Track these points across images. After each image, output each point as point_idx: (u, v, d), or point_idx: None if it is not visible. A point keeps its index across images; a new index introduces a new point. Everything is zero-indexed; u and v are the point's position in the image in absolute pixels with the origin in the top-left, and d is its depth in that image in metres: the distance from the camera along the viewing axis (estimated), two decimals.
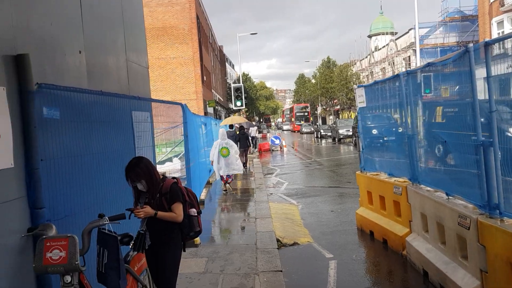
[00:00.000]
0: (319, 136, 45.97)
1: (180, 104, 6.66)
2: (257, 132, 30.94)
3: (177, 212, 3.87)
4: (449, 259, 5.07)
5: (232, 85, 24.95)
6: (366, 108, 7.72)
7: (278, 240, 7.43)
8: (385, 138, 7.48)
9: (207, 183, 14.30)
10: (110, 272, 3.33)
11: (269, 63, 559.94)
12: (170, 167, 10.61)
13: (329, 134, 43.00)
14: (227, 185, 12.74)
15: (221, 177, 12.62)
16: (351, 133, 33.25)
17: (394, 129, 7.29)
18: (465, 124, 4.50)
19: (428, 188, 5.90)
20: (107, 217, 3.37)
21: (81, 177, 4.06)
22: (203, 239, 7.58)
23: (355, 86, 7.78)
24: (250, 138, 27.35)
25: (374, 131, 8.00)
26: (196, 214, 4.12)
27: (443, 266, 5.06)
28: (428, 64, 5.24)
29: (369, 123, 8.14)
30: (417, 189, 6.09)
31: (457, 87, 4.64)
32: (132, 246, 3.92)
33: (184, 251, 4.09)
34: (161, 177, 4.00)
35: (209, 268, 6.11)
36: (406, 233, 6.43)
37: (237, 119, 22.62)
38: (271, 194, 13.00)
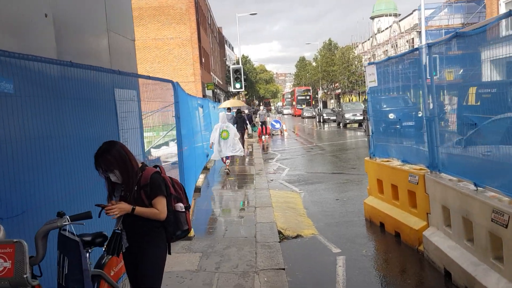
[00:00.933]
0: (321, 120, 44.27)
1: (171, 81, 5.91)
2: (267, 115, 29.06)
3: (159, 207, 3.16)
4: (478, 260, 4.40)
5: (231, 66, 24.12)
6: (378, 88, 6.98)
7: (279, 232, 6.77)
8: (399, 122, 6.76)
9: (204, 168, 13.62)
10: (72, 285, 2.65)
11: (269, 46, 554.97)
12: (167, 151, 9.92)
13: (333, 118, 41.42)
14: (227, 164, 13.16)
15: (227, 157, 13.01)
16: (359, 118, 31.57)
17: (409, 111, 6.58)
18: (505, 106, 3.79)
19: (451, 177, 5.20)
20: (67, 216, 2.68)
21: (44, 164, 3.36)
22: (198, 231, 6.92)
23: (365, 63, 7.02)
24: (256, 121, 26.90)
25: (391, 115, 7.23)
26: (183, 210, 3.40)
27: (471, 268, 4.40)
28: (457, 34, 4.48)
29: (381, 104, 7.40)
30: (438, 178, 5.39)
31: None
32: (105, 248, 3.24)
33: (169, 253, 3.38)
34: (140, 165, 3.28)
35: (203, 266, 5.45)
36: (423, 227, 5.76)
37: (236, 103, 21.92)
38: (272, 180, 12.34)
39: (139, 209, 3.09)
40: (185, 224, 3.39)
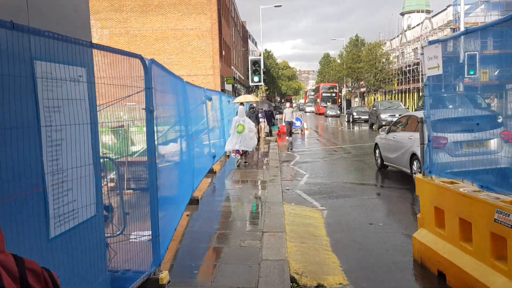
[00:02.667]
0: (350, 120, 39.95)
1: (139, 56, 3.93)
2: (293, 115, 24.44)
3: None
4: None
5: (250, 57, 22.05)
6: (445, 78, 4.83)
7: (293, 280, 4.73)
8: (477, 129, 4.62)
9: (210, 171, 11.65)
10: None
11: (293, 43, 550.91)
12: (174, 148, 8.04)
13: (364, 118, 37.16)
14: (241, 159, 13.37)
15: (237, 151, 13.17)
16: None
17: (494, 114, 4.44)
18: None
19: None
20: None
21: None
22: (178, 270, 4.94)
23: (424, 42, 4.91)
24: (266, 118, 24.68)
25: (467, 120, 4.99)
26: None
27: None
28: None
29: (448, 102, 5.23)
30: None
31: None
32: None
33: None
34: None
35: None
36: None
37: (248, 98, 19.95)
38: (288, 189, 10.29)
39: None
40: None
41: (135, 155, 9.22)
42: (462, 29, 28.56)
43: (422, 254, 5.23)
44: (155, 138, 4.55)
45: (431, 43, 4.92)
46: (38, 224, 3.22)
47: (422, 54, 5.11)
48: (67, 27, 3.73)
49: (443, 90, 5.07)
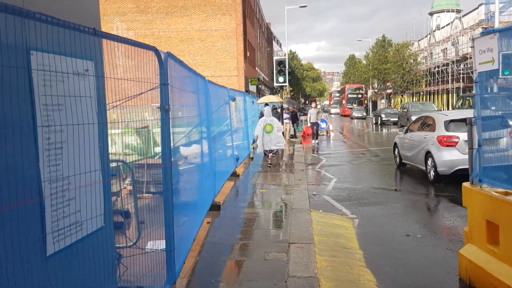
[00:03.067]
0: (378, 122, 38.60)
1: (153, 48, 3.49)
2: (318, 116, 22.83)
3: None
4: None
5: (274, 58, 21.56)
6: (497, 73, 4.21)
7: None
8: None
9: (232, 174, 11.17)
10: None
11: (318, 45, 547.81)
12: (195, 151, 7.62)
13: (394, 120, 36.06)
14: (269, 158, 13.53)
15: (265, 152, 13.66)
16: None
17: None
18: None
19: None
20: None
21: None
22: (194, 285, 4.46)
23: (477, 32, 4.29)
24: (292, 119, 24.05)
25: None
26: None
27: None
28: None
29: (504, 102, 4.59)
30: None
31: None
32: None
33: None
34: None
35: None
36: None
37: (273, 99, 19.46)
38: (314, 195, 9.73)
39: None
40: None
41: (156, 156, 8.85)
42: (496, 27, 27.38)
43: (471, 273, 4.60)
44: (171, 140, 4.08)
45: (484, 33, 4.31)
46: (32, 241, 2.78)
47: (472, 47, 4.50)
48: (69, 13, 3.30)
49: (496, 89, 4.43)
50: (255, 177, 11.43)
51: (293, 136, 24.13)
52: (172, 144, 4.17)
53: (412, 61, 51.82)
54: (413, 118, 26.65)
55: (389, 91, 64.03)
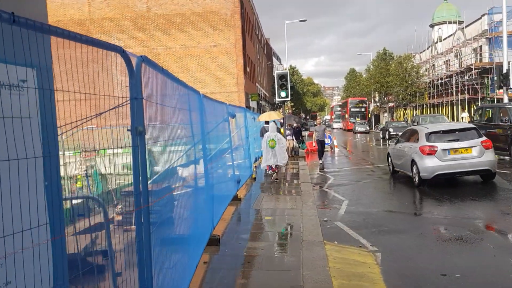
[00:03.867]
0: (386, 136, 36.36)
1: (119, 49, 2.52)
2: (325, 133, 20.00)
3: None
4: None
5: (276, 72, 20.65)
6: None
7: None
8: None
9: (234, 198, 10.13)
10: None
11: (317, 61, 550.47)
12: (187, 178, 6.62)
13: None
14: (274, 174, 13.51)
15: (269, 167, 13.48)
16: None
17: None
18: None
19: None
20: None
21: None
22: None
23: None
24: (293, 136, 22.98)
25: None
26: None
27: None
28: None
29: None
30: None
31: None
32: None
33: None
34: None
35: None
36: None
37: (274, 116, 18.44)
38: (326, 221, 8.67)
39: None
40: None
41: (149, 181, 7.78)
42: (504, 36, 26.43)
43: None
44: (147, 171, 3.07)
45: None
46: None
47: None
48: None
49: None
50: (259, 200, 10.38)
51: (296, 153, 23.09)
52: (149, 176, 3.16)
53: (414, 73, 51.05)
54: None
55: (391, 104, 63.17)
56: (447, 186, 11.88)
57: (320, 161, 18.44)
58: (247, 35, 43.07)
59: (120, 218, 7.01)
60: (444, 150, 11.33)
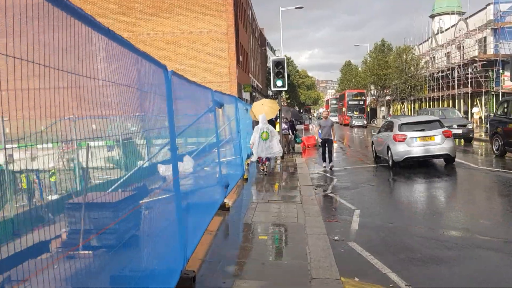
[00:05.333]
0: None
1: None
2: (333, 129, 15.28)
3: None
4: None
5: (272, 58, 18.55)
6: None
7: None
8: None
9: (220, 207, 8.13)
10: None
11: (311, 53, 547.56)
12: (179, 168, 4.72)
13: None
14: (265, 166, 13.21)
15: (260, 159, 13.11)
16: (457, 131, 21.23)
17: None
18: None
19: None
20: None
21: None
22: None
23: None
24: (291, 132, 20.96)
25: None
26: None
27: None
28: None
29: None
30: None
31: None
32: None
33: None
34: None
35: None
36: None
37: (268, 106, 16.18)
38: (336, 241, 6.72)
39: None
40: None
41: (108, 189, 5.84)
42: None
43: None
44: None
45: None
46: None
47: None
48: None
49: None
50: (251, 211, 8.39)
51: (293, 149, 21.12)
52: None
53: (415, 65, 49.12)
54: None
55: (388, 97, 61.28)
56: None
57: (324, 165, 15.30)
58: (240, 22, 40.87)
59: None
60: (412, 138, 13.75)
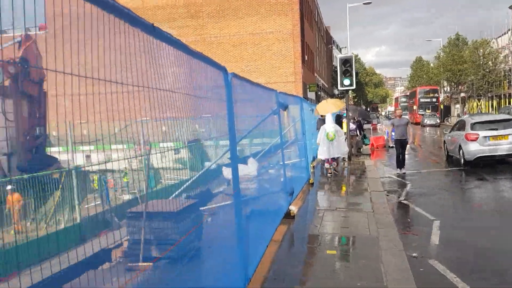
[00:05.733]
0: None
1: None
2: (408, 128, 14.86)
3: None
4: None
5: (339, 56, 17.80)
6: None
7: None
8: None
9: (285, 216, 7.66)
10: None
11: (377, 51, 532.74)
12: (241, 172, 4.41)
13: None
14: (332, 168, 13.05)
15: (326, 160, 12.83)
16: None
17: None
18: None
19: None
20: None
21: None
22: None
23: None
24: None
25: None
26: None
27: None
28: None
29: None
30: None
31: None
32: None
33: None
34: None
35: None
36: None
37: (333, 105, 15.33)
38: (415, 258, 6.01)
39: None
40: None
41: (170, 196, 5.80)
42: None
43: None
44: None
45: None
46: None
47: None
48: None
49: None
50: (318, 220, 7.83)
51: (360, 150, 20.16)
52: None
53: (493, 59, 45.70)
54: None
55: (463, 94, 57.61)
56: None
57: (398, 171, 13.89)
58: (305, 21, 40.16)
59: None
60: (485, 137, 13.54)
